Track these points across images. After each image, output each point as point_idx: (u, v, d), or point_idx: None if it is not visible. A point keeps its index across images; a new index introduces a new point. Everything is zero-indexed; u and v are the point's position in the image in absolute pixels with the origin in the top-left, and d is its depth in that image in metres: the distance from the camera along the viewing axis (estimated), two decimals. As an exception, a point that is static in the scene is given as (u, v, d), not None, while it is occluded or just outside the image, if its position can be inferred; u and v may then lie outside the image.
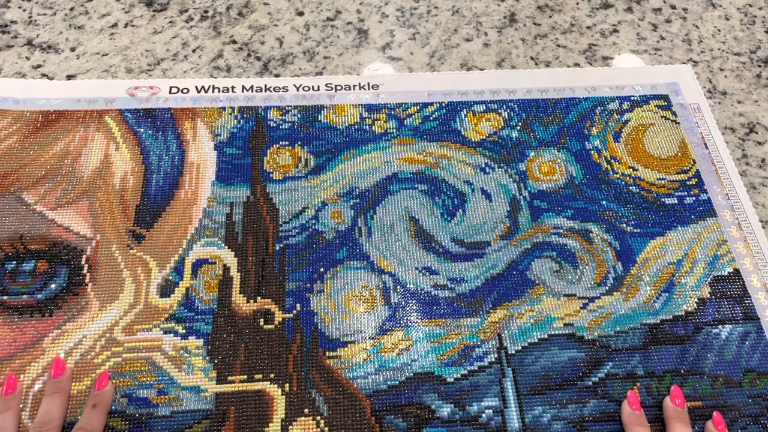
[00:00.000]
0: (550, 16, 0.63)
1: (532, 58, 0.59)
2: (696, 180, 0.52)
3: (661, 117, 0.56)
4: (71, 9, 0.61)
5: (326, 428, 0.41)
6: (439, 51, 0.60)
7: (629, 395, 0.42)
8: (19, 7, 0.61)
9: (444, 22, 0.62)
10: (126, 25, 0.60)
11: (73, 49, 0.58)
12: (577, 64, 0.59)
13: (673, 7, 0.64)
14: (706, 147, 0.54)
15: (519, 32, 0.61)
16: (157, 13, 0.61)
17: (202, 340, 0.44)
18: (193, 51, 0.58)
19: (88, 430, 0.38)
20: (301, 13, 0.61)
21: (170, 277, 0.46)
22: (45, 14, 0.60)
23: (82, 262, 0.46)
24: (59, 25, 0.60)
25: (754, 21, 0.64)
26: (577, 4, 0.64)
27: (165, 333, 0.44)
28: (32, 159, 0.51)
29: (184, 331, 0.44)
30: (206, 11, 0.61)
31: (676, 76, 0.58)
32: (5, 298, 0.44)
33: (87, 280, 0.45)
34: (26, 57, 0.57)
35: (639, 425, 0.40)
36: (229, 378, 0.42)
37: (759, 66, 0.60)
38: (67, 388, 0.40)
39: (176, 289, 0.45)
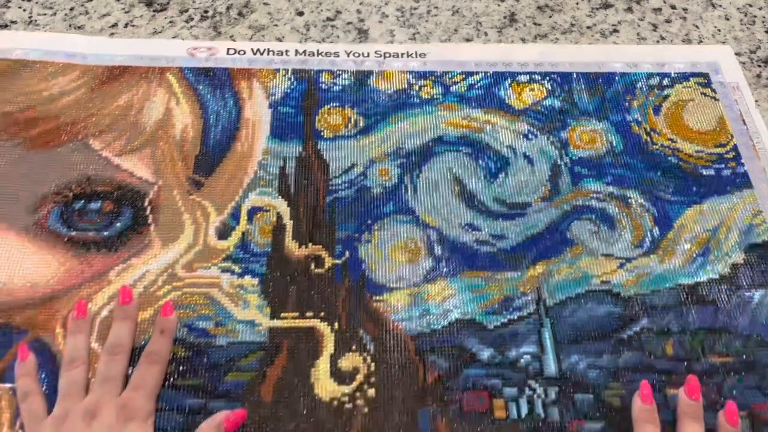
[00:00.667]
0: (550, 16, 0.64)
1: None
2: (733, 154, 0.54)
3: (701, 94, 0.57)
4: (71, 9, 0.62)
5: (372, 364, 0.43)
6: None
7: (642, 387, 0.41)
8: (19, 7, 0.62)
9: (444, 22, 0.63)
10: (126, 25, 0.61)
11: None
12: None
13: (673, 7, 0.65)
14: (744, 123, 0.55)
15: (519, 32, 0.62)
16: (157, 13, 0.62)
17: (257, 279, 0.46)
18: (194, 51, 0.60)
19: (157, 352, 0.41)
20: (301, 13, 0.62)
21: (227, 222, 0.49)
22: (45, 14, 0.61)
23: (146, 204, 0.49)
24: (59, 25, 0.61)
25: (754, 21, 0.64)
26: (577, 4, 0.64)
27: (222, 272, 0.46)
28: (98, 109, 0.54)
29: (240, 270, 0.46)
30: (206, 11, 0.62)
31: (716, 56, 0.60)
32: (74, 233, 0.47)
33: (150, 221, 0.48)
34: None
35: (649, 422, 0.39)
36: (282, 315, 0.45)
37: (759, 66, 0.60)
38: (134, 315, 0.43)
39: (233, 233, 0.48)
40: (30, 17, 0.61)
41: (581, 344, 0.44)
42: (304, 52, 0.59)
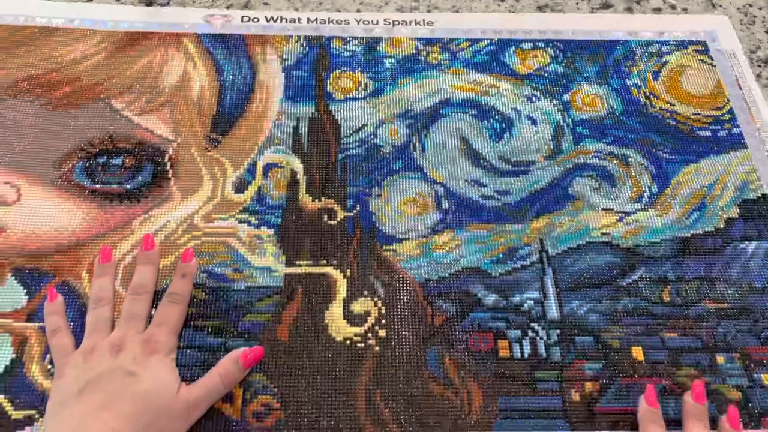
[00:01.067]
0: None
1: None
2: (729, 116, 0.56)
3: (699, 60, 0.59)
4: None
5: (383, 308, 0.45)
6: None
7: (647, 391, 0.41)
8: None
9: None
10: None
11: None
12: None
13: (673, 7, 0.65)
14: (740, 88, 0.57)
15: None
16: None
17: (272, 230, 0.48)
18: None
19: (179, 293, 0.43)
20: None
21: (244, 177, 0.51)
22: None
23: (165, 160, 0.51)
24: None
25: (754, 21, 0.64)
26: (577, 4, 0.65)
27: (239, 222, 0.49)
28: (119, 72, 0.56)
29: (256, 221, 0.49)
30: None
31: (714, 25, 0.62)
32: (98, 186, 0.50)
33: (170, 175, 0.50)
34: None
35: (654, 423, 0.40)
36: (297, 262, 0.47)
37: (759, 66, 0.61)
38: (156, 260, 0.46)
39: (249, 186, 0.50)
40: None
41: (582, 291, 0.46)
42: (316, 20, 0.61)
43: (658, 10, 0.64)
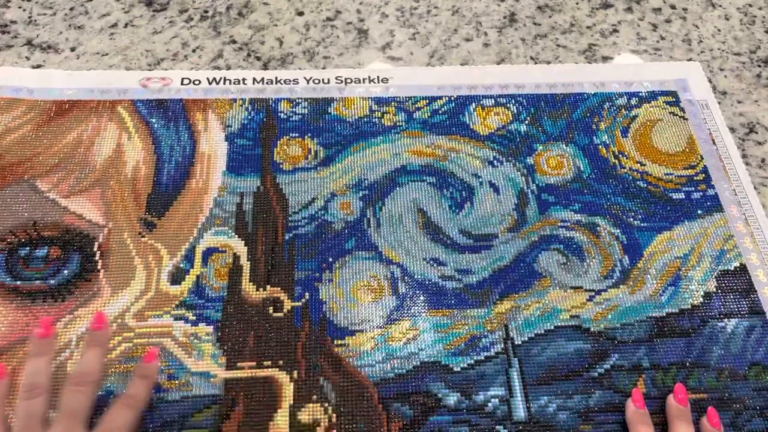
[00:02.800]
0: (550, 16, 0.63)
1: (532, 58, 0.60)
2: (703, 176, 0.52)
3: (669, 113, 0.56)
4: (71, 9, 0.61)
5: (334, 415, 0.41)
6: (439, 51, 0.60)
7: (634, 393, 0.42)
8: (19, 7, 0.61)
9: (444, 22, 0.62)
10: (126, 25, 0.60)
11: (73, 49, 0.58)
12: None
13: (673, 7, 0.64)
14: (714, 143, 0.54)
15: (519, 32, 0.62)
16: (157, 13, 0.61)
17: (211, 326, 0.44)
18: (193, 51, 0.59)
19: (135, 397, 0.39)
20: (301, 13, 0.62)
21: (181, 265, 0.46)
22: (45, 14, 0.60)
23: (95, 249, 0.47)
24: (59, 25, 0.60)
25: (754, 21, 0.64)
26: (577, 4, 0.64)
27: (175, 319, 0.44)
28: (46, 147, 0.51)
29: (194, 317, 0.44)
30: (206, 11, 0.62)
31: (684, 73, 0.59)
32: (18, 283, 0.45)
33: (99, 267, 0.46)
34: (26, 57, 0.57)
35: (643, 423, 0.40)
36: (238, 364, 0.43)
37: (759, 66, 0.60)
38: (106, 343, 0.42)
39: (187, 276, 0.46)
40: (30, 17, 0.60)
41: (550, 385, 0.43)
42: (262, 80, 0.57)
43: (658, 10, 0.63)
